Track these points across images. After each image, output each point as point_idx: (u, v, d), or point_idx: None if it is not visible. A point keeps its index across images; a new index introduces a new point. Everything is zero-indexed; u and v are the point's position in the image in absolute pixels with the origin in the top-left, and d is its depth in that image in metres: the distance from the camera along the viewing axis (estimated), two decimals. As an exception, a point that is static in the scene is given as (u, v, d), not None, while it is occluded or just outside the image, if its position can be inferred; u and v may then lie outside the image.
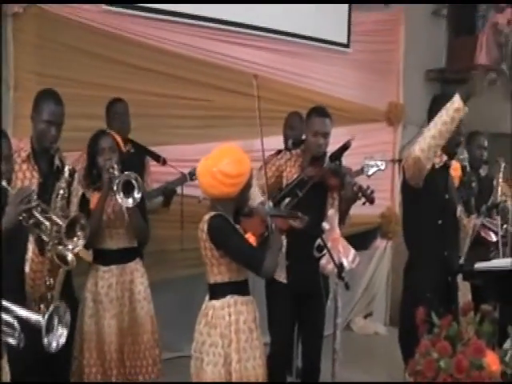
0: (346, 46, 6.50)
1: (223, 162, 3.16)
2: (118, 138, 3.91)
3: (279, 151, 4.78)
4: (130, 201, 3.63)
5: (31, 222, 2.85)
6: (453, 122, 3.23)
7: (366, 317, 7.03)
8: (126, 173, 3.66)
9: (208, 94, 5.50)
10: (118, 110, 4.61)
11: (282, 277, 3.97)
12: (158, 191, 4.70)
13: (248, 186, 3.26)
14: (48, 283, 3.39)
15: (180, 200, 4.76)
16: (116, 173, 3.64)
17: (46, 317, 2.35)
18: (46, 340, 2.35)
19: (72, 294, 3.76)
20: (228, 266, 3.19)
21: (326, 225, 3.45)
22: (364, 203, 3.94)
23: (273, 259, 3.18)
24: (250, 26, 5.73)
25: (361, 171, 4.24)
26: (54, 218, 2.97)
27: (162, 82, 5.24)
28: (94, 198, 3.77)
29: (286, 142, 4.99)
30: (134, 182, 3.62)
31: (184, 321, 4.22)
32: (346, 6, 6.44)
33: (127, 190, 3.62)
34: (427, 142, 3.29)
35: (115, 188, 3.61)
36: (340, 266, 3.32)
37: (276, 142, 5.06)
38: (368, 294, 7.04)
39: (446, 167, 3.64)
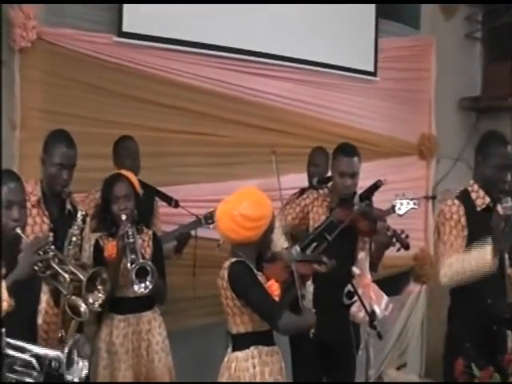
0: (373, 74, 6.47)
1: (243, 204, 3.21)
2: (135, 180, 3.92)
3: (303, 190, 4.82)
4: (143, 287, 3.65)
5: (48, 273, 2.90)
6: (478, 269, 3.44)
7: (399, 368, 6.95)
8: (142, 261, 3.67)
9: (225, 130, 5.48)
10: (129, 147, 4.59)
11: (308, 325, 4.00)
12: (171, 236, 4.62)
13: (270, 229, 3.30)
14: (61, 335, 3.41)
15: (193, 243, 4.68)
16: (131, 240, 3.68)
17: (66, 351, 2.47)
18: (67, 376, 2.49)
19: (83, 344, 3.82)
20: (251, 315, 3.21)
21: (356, 269, 3.46)
22: (399, 249, 3.94)
23: (295, 320, 3.16)
24: (270, 56, 5.69)
25: (392, 210, 4.20)
26: (73, 269, 3.01)
27: (177, 117, 5.23)
28: (108, 246, 3.82)
29: (310, 179, 5.01)
30: (148, 269, 3.64)
31: (199, 373, 4.25)
32: (372, 32, 6.44)
33: (142, 273, 3.64)
34: (454, 273, 3.53)
35: (129, 266, 3.65)
36: (372, 314, 3.34)
37: (300, 179, 5.11)
38: (401, 343, 6.96)
39: (489, 209, 3.60)
